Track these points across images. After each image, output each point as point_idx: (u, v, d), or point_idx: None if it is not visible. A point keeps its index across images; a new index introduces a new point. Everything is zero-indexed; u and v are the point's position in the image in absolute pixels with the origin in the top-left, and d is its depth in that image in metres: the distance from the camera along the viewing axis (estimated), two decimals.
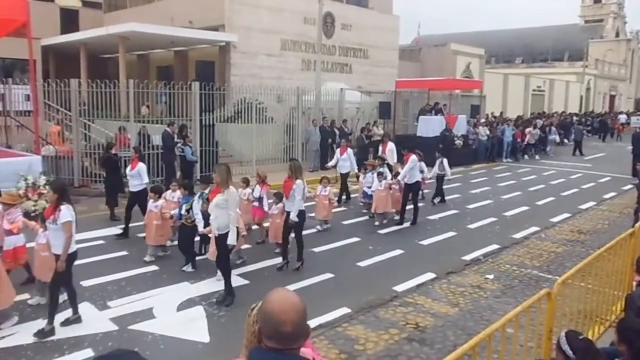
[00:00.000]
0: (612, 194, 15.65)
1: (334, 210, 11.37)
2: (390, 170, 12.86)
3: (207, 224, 7.40)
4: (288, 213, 8.33)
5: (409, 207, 11.57)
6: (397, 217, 11.68)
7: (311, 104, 19.30)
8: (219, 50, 21.97)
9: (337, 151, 13.91)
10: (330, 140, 18.17)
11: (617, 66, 63.31)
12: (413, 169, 11.36)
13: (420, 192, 12.91)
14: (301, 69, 24.05)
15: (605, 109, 55.17)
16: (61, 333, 6.05)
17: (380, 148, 14.52)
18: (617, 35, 71.10)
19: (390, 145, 14.24)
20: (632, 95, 68.94)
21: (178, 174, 13.23)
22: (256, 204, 9.71)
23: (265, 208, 9.52)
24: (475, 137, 22.19)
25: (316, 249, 9.46)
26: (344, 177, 13.54)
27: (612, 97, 62.09)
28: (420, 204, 12.71)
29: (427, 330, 6.31)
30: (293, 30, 23.72)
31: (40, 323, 6.14)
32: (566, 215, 12.65)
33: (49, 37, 22.57)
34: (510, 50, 63.51)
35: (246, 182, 10.10)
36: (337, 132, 18.52)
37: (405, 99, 23.97)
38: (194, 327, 6.35)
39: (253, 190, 9.85)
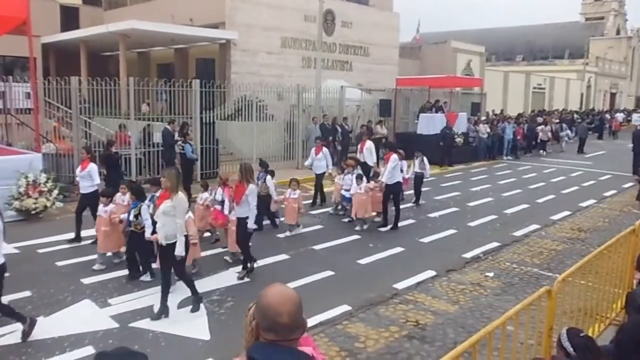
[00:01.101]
0: (613, 191, 15.63)
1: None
2: (369, 170, 12.15)
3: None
4: (240, 220, 7.82)
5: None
6: (377, 220, 11.25)
7: (311, 101, 19.30)
8: (220, 47, 21.96)
9: (312, 151, 13.12)
10: (330, 138, 18.17)
11: (618, 64, 63.22)
12: (394, 169, 10.84)
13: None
14: (301, 66, 24.04)
15: (606, 107, 55.13)
16: (61, 331, 6.06)
17: (358, 147, 13.69)
18: (618, 32, 70.99)
19: (369, 144, 13.20)
20: (633, 93, 68.87)
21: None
22: (218, 207, 9.11)
23: (226, 212, 8.78)
24: (475, 135, 22.18)
25: (316, 247, 9.48)
26: (319, 178, 12.84)
27: (613, 95, 62.02)
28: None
29: (428, 328, 6.31)
30: (293, 27, 23.71)
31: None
32: (566, 213, 12.64)
33: (50, 35, 22.58)
34: (510, 48, 63.39)
35: (205, 186, 9.72)
36: (338, 129, 18.52)
37: (406, 96, 23.98)
38: (195, 324, 6.36)
39: (215, 193, 9.30)
